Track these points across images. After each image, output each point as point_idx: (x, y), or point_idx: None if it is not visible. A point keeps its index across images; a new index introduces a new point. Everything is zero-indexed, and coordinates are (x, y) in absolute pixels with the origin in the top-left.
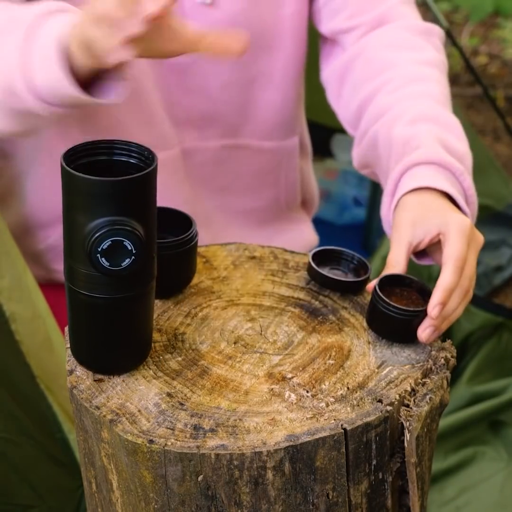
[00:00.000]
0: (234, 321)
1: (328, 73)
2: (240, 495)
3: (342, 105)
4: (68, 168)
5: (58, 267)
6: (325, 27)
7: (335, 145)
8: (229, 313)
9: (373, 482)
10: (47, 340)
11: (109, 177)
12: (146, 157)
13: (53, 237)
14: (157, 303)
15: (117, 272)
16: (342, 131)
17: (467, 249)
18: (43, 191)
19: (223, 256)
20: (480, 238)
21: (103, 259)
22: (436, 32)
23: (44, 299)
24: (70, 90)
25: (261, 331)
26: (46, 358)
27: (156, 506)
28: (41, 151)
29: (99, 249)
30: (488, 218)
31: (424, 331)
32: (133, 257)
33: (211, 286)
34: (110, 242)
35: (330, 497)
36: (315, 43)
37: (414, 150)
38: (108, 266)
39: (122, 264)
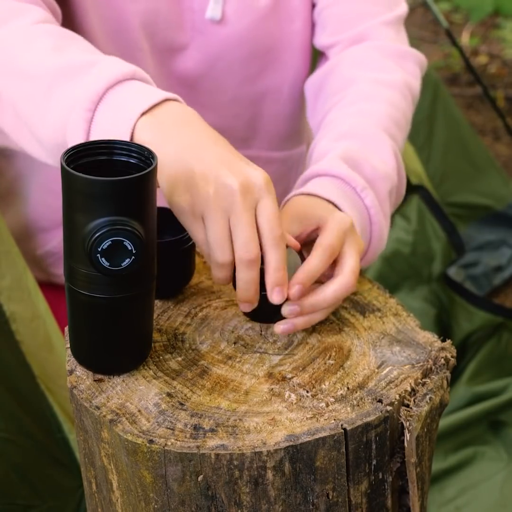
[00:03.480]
0: (234, 321)
1: (307, 85)
2: (240, 495)
3: (312, 117)
4: (68, 168)
5: (58, 271)
6: (315, 41)
7: None
8: (229, 313)
9: (373, 482)
10: (47, 340)
11: (109, 177)
12: (146, 157)
13: (53, 242)
14: (157, 303)
15: (117, 272)
16: None
17: (338, 240)
18: (45, 196)
19: None
20: (361, 242)
21: (103, 259)
22: (413, 57)
23: (44, 299)
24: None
25: (261, 331)
26: (46, 358)
27: (156, 506)
28: None
29: (99, 249)
30: (488, 218)
31: (283, 309)
32: (133, 257)
33: (211, 286)
34: (110, 242)
35: (330, 497)
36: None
37: (317, 163)
38: (108, 266)
39: (122, 264)
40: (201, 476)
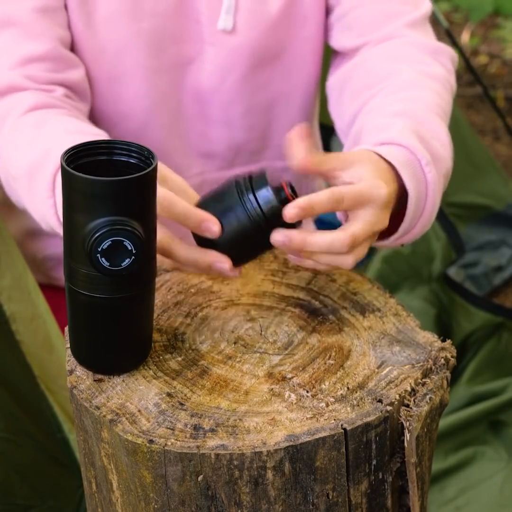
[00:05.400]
0: (234, 321)
1: (331, 82)
2: (240, 495)
3: (339, 113)
4: (68, 168)
5: (58, 275)
6: (335, 43)
7: (335, 144)
8: (229, 313)
9: (373, 482)
10: (47, 340)
11: (109, 177)
12: (146, 157)
13: (54, 246)
14: (157, 303)
15: (117, 272)
16: None
17: (359, 199)
18: None
19: None
20: (385, 222)
21: (103, 259)
22: (447, 53)
23: (44, 299)
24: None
25: (261, 331)
26: (46, 358)
27: (156, 506)
28: None
29: (99, 249)
30: (488, 218)
31: (279, 232)
32: (133, 257)
33: (211, 286)
34: (110, 242)
35: (330, 497)
36: None
37: (382, 133)
38: (108, 266)
39: (122, 264)
40: (201, 476)
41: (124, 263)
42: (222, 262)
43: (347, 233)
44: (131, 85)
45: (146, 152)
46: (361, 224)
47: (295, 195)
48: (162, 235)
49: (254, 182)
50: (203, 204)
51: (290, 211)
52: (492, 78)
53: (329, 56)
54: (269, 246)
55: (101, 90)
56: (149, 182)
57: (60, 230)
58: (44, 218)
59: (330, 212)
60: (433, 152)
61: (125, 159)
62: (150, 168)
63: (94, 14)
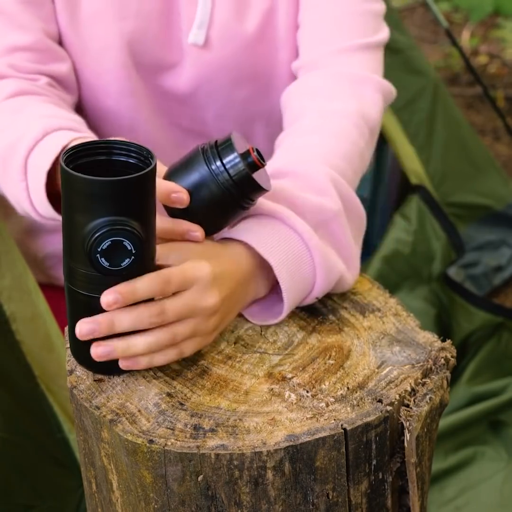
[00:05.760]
0: (234, 321)
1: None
2: (240, 495)
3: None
4: (67, 168)
5: (58, 274)
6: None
7: None
8: None
9: (373, 482)
10: (47, 340)
11: (108, 177)
12: (145, 157)
13: (53, 244)
14: None
15: (116, 272)
16: None
17: (183, 280)
18: None
19: None
20: (209, 302)
21: (102, 259)
22: (372, 83)
23: (44, 299)
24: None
25: (261, 331)
26: (46, 358)
27: (156, 506)
28: None
29: (99, 249)
30: (488, 218)
31: (85, 321)
32: (132, 257)
33: None
34: (109, 242)
35: (330, 497)
36: None
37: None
38: (108, 266)
39: (121, 264)
40: (201, 476)
41: (124, 263)
42: (195, 230)
43: (157, 274)
44: (114, 82)
45: (145, 152)
46: (177, 298)
47: (262, 159)
48: None
49: (220, 148)
50: (171, 175)
51: (106, 298)
52: (492, 78)
53: None
54: (240, 212)
55: (88, 85)
56: (148, 182)
57: (34, 214)
58: (18, 201)
59: (157, 295)
60: (299, 207)
61: (124, 159)
62: (149, 168)
63: (79, 11)
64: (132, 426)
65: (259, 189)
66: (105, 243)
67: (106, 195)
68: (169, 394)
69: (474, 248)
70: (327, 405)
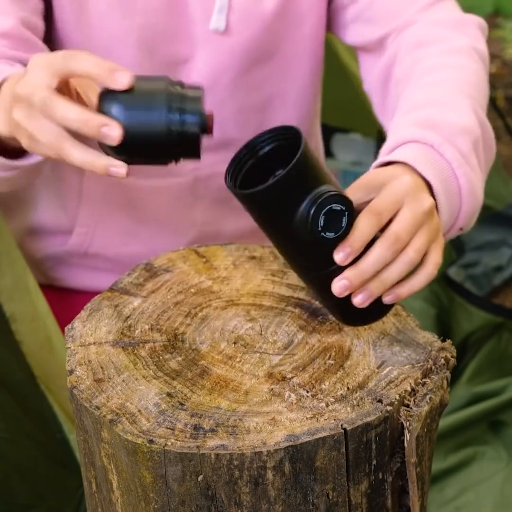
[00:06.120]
0: (234, 321)
1: (369, 84)
2: (240, 495)
3: (387, 116)
4: (248, 191)
5: (58, 275)
6: (354, 38)
7: (335, 144)
8: (229, 313)
9: (373, 482)
10: (47, 340)
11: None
12: (287, 133)
13: (53, 246)
14: (157, 303)
15: (341, 236)
16: (341, 130)
17: (391, 201)
18: (49, 201)
19: (223, 256)
20: (437, 222)
21: (326, 232)
22: (472, 22)
23: (44, 299)
24: None
25: (261, 331)
26: (46, 358)
27: (156, 506)
28: (49, 167)
29: (321, 224)
30: (488, 218)
31: (336, 283)
32: (347, 214)
33: (211, 286)
34: (325, 211)
35: (330, 497)
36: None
37: (394, 134)
38: (333, 235)
39: (342, 226)
40: (201, 476)
41: (343, 224)
42: (118, 167)
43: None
44: None
45: (281, 131)
46: (400, 218)
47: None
48: (54, 135)
49: (189, 100)
50: (114, 95)
51: (336, 256)
52: (492, 78)
53: (326, 55)
54: (165, 162)
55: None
56: (308, 151)
57: None
58: None
59: (377, 230)
60: (448, 131)
61: (273, 146)
62: (302, 141)
63: (87, 9)
64: (132, 426)
65: (195, 155)
66: (321, 218)
67: (293, 180)
68: (169, 394)
69: (474, 248)
70: (327, 405)
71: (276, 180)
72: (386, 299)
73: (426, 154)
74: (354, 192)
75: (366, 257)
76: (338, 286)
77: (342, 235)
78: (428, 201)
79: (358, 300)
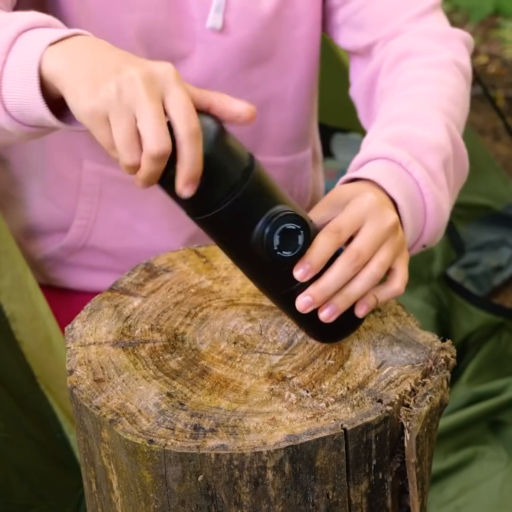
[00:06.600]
0: (234, 321)
1: (356, 91)
2: (240, 495)
3: (369, 125)
4: (203, 217)
5: (57, 276)
6: (345, 42)
7: (334, 144)
8: (229, 313)
9: (373, 482)
10: (47, 340)
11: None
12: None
13: (52, 246)
14: (157, 303)
15: (297, 255)
16: (341, 130)
17: (351, 218)
18: (44, 202)
19: (223, 256)
20: (401, 238)
21: (283, 251)
22: (457, 36)
23: (44, 299)
24: (41, 110)
25: (261, 331)
26: (46, 358)
27: (156, 506)
28: (43, 161)
29: (276, 245)
30: (488, 218)
31: (300, 299)
32: (303, 232)
33: (211, 286)
34: (280, 231)
35: (330, 497)
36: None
37: (363, 149)
38: (290, 254)
39: (299, 244)
40: (201, 476)
41: (300, 242)
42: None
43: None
44: None
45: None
46: (362, 235)
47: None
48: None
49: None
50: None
51: (300, 274)
52: (492, 78)
53: (326, 55)
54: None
55: None
56: (261, 180)
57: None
58: None
59: (336, 248)
60: (417, 148)
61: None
62: (250, 178)
63: (87, 3)
64: (132, 426)
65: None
66: (276, 238)
67: (246, 203)
68: (169, 394)
69: (474, 248)
70: (327, 405)
71: (227, 205)
72: (360, 312)
73: (393, 171)
74: (319, 210)
75: (327, 273)
76: (302, 302)
77: (299, 254)
78: (391, 217)
79: (325, 315)
